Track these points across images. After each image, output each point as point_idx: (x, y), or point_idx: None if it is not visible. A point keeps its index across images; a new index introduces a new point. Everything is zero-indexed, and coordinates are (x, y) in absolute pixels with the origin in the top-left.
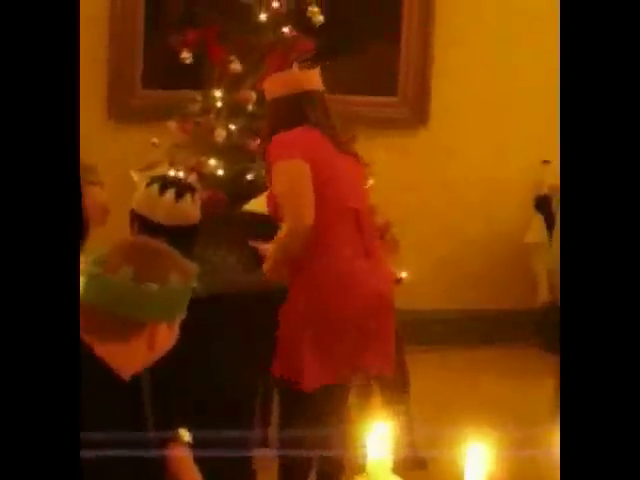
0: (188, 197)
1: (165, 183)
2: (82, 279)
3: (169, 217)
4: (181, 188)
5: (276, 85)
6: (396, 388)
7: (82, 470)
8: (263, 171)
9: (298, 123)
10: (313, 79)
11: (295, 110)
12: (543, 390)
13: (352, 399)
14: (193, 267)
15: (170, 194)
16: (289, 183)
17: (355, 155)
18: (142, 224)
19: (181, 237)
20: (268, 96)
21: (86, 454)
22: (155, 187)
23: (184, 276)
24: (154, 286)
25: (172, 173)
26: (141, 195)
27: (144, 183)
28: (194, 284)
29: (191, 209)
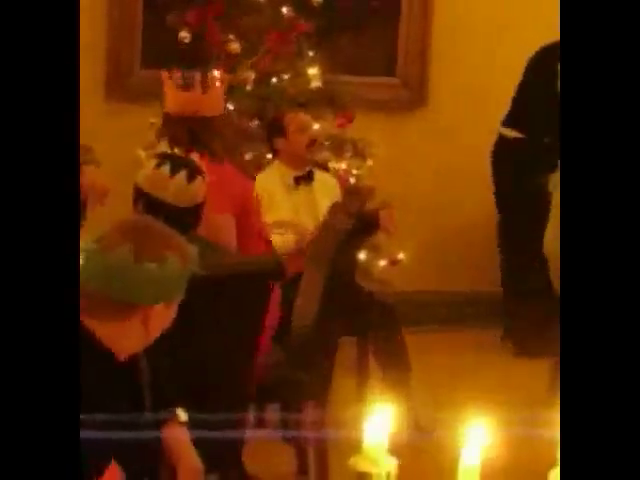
0: (200, 179)
1: (177, 164)
2: (81, 257)
3: (179, 198)
4: (192, 170)
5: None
6: (396, 369)
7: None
8: (261, 150)
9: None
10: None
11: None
12: (545, 371)
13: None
14: (193, 250)
15: (182, 175)
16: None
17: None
18: (148, 202)
19: (186, 217)
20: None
21: (83, 435)
22: (167, 167)
23: (183, 258)
24: (152, 266)
25: (177, 151)
26: (151, 174)
27: (153, 162)
28: (193, 267)
29: (199, 191)
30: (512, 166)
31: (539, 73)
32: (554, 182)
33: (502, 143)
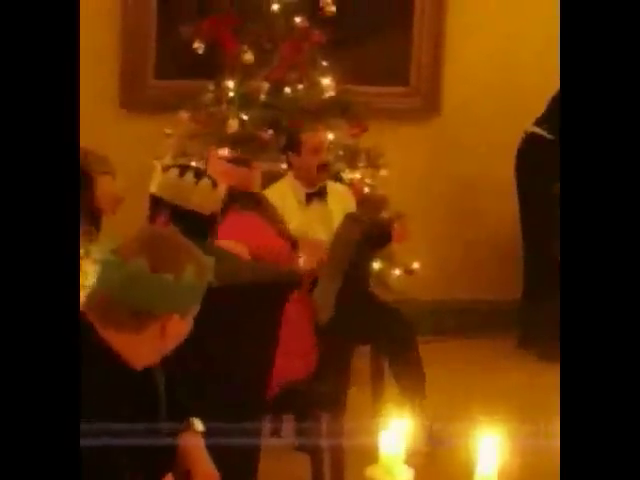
0: (222, 186)
1: (199, 172)
2: (98, 267)
3: (204, 205)
4: (213, 178)
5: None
6: (411, 381)
7: (90, 459)
8: (275, 161)
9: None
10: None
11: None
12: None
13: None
14: (210, 261)
15: (206, 182)
16: None
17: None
18: (172, 211)
19: (207, 224)
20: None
21: (99, 442)
22: (191, 175)
23: (200, 269)
24: (169, 277)
25: (193, 163)
26: (174, 182)
27: (175, 171)
28: (210, 278)
29: (220, 198)
30: (539, 167)
31: None
32: None
33: (532, 142)
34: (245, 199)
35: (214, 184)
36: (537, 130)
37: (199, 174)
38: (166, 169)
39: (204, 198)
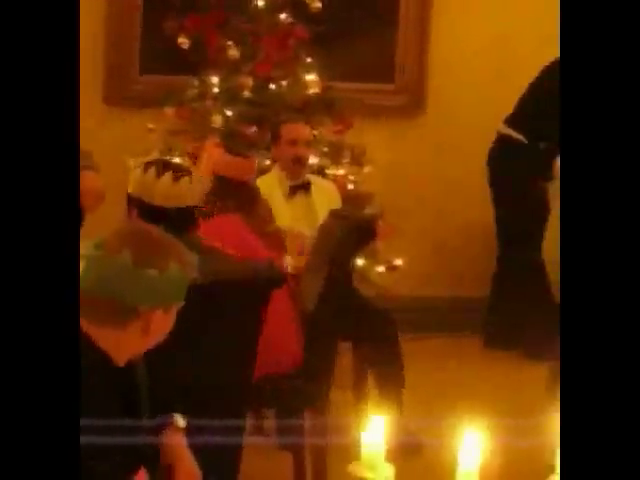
0: (186, 179)
1: (162, 166)
2: (82, 262)
3: (167, 199)
4: (178, 171)
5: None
6: (389, 382)
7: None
8: (260, 156)
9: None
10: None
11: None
12: (541, 378)
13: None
14: (193, 257)
15: (167, 176)
16: None
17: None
18: (139, 207)
19: (178, 220)
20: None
21: (82, 440)
22: (152, 171)
23: (184, 265)
24: (152, 272)
25: (177, 159)
26: (139, 179)
27: (140, 168)
28: (193, 274)
29: (188, 191)
30: (511, 168)
31: (550, 79)
32: (553, 190)
33: (502, 143)
34: (238, 194)
35: (175, 178)
36: (507, 131)
37: (160, 169)
38: (138, 166)
39: (165, 192)
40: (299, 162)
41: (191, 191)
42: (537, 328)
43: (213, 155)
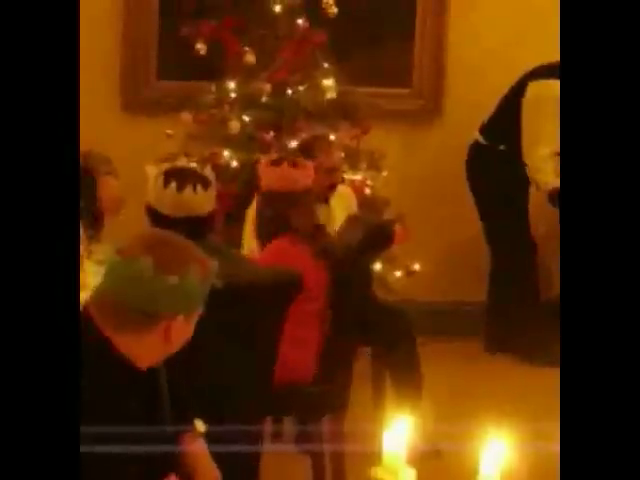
0: (189, 188)
1: (169, 175)
2: (103, 268)
3: (174, 208)
4: (183, 179)
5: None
6: (408, 386)
7: (92, 464)
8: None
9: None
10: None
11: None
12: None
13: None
14: (214, 263)
15: (172, 185)
16: None
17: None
18: (152, 215)
19: (188, 229)
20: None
21: (102, 448)
22: (160, 179)
23: (204, 271)
24: (173, 278)
25: (180, 164)
26: (150, 187)
27: (155, 176)
28: (214, 280)
29: (194, 200)
30: (487, 174)
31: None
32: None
33: (476, 150)
34: (302, 227)
35: (179, 188)
36: (480, 139)
37: (168, 178)
38: (156, 175)
39: (171, 202)
40: (333, 170)
41: (198, 200)
42: (532, 331)
43: (267, 174)
